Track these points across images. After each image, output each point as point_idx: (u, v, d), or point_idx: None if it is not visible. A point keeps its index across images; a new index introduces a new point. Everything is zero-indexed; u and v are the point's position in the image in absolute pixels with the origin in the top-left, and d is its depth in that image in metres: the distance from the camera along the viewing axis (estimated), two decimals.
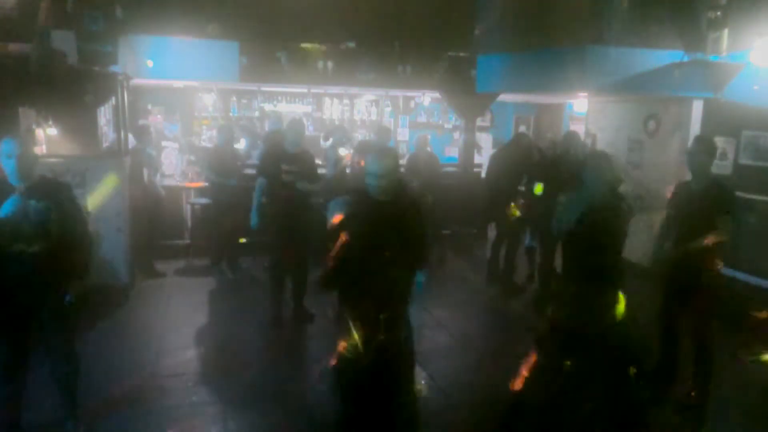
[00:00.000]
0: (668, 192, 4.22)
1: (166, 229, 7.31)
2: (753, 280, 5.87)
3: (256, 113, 10.15)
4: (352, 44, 7.86)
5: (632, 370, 3.37)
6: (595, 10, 6.17)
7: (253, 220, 5.37)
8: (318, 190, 5.44)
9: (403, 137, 11.12)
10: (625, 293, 3.35)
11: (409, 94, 10.38)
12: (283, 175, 5.12)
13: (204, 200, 7.25)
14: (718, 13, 5.77)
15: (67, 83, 5.60)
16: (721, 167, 6.31)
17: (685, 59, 6.10)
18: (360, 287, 2.81)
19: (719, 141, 6.42)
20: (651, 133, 7.45)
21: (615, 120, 8.09)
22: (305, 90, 9.66)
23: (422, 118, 11.30)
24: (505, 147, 7.08)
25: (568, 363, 3.28)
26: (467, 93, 8.15)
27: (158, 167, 7.03)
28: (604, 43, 6.10)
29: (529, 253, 6.94)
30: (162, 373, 4.41)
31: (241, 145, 8.43)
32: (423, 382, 2.99)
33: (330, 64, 7.71)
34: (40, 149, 5.95)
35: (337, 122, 10.30)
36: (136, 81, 6.93)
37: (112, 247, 5.77)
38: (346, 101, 10.61)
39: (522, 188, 6.57)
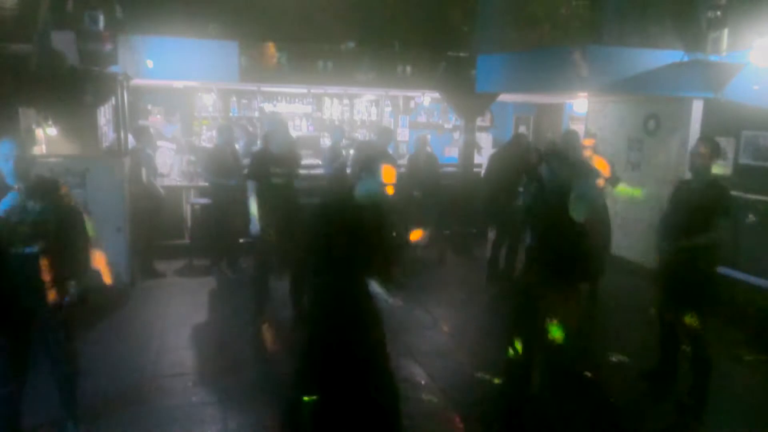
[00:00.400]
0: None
1: (166, 229, 7.31)
2: (753, 280, 5.87)
3: (256, 113, 10.15)
4: (352, 44, 7.86)
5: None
6: (595, 10, 6.17)
7: (254, 226, 5.16)
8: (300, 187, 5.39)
9: (403, 137, 11.12)
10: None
11: (409, 94, 10.38)
12: (272, 178, 5.08)
13: (204, 200, 7.25)
14: (718, 13, 5.77)
15: (67, 83, 5.60)
16: (721, 167, 6.31)
17: (685, 59, 6.10)
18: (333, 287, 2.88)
19: (719, 141, 6.43)
20: (651, 133, 7.45)
21: (615, 120, 8.09)
22: (305, 90, 9.66)
23: (422, 118, 11.31)
24: (504, 148, 7.09)
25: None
26: (467, 93, 8.14)
27: (157, 168, 7.02)
28: (604, 43, 6.10)
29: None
30: (162, 373, 4.41)
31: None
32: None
33: (330, 64, 7.71)
34: (40, 149, 5.95)
35: (336, 122, 10.30)
36: (136, 81, 6.93)
37: (112, 247, 5.77)
38: (346, 101, 10.61)
39: (521, 189, 6.57)
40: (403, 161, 9.21)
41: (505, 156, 6.75)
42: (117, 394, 4.01)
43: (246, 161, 7.54)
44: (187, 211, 7.59)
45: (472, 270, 7.49)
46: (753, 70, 5.95)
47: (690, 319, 3.95)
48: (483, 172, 7.63)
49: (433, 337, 5.29)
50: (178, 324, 5.40)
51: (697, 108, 6.89)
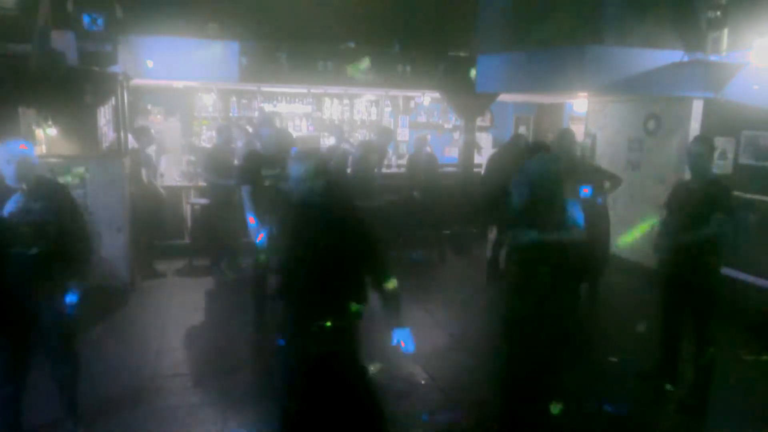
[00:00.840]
0: None
1: (166, 229, 7.31)
2: (753, 279, 5.87)
3: (256, 113, 10.15)
4: (352, 44, 7.86)
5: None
6: (595, 10, 6.17)
7: (252, 229, 4.99)
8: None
9: (403, 137, 11.12)
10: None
11: (409, 94, 10.38)
12: (264, 181, 4.96)
13: (204, 200, 7.25)
14: (718, 13, 5.77)
15: (67, 83, 5.60)
16: (721, 167, 6.31)
17: (685, 59, 6.10)
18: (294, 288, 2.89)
19: (719, 141, 6.43)
20: (651, 133, 7.45)
21: (615, 120, 8.09)
22: (305, 90, 9.66)
23: (422, 118, 11.31)
24: (503, 148, 7.09)
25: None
26: (467, 93, 8.15)
27: (157, 168, 7.02)
28: (604, 43, 6.10)
29: None
30: (162, 373, 4.41)
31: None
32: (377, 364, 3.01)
33: (330, 64, 7.71)
34: (40, 149, 5.95)
35: (336, 122, 10.30)
36: (136, 81, 6.93)
37: (112, 247, 5.77)
38: (346, 101, 10.61)
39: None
40: (403, 161, 9.24)
41: (504, 157, 6.75)
42: (117, 395, 4.01)
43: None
44: (187, 211, 7.59)
45: (472, 270, 7.49)
46: (753, 70, 5.96)
47: (699, 320, 3.95)
48: (482, 172, 7.63)
49: (433, 337, 5.29)
50: (178, 324, 5.40)
51: (697, 108, 6.89)
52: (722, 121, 6.49)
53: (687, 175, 4.15)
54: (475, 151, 9.19)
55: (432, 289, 6.63)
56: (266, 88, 9.71)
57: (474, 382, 4.45)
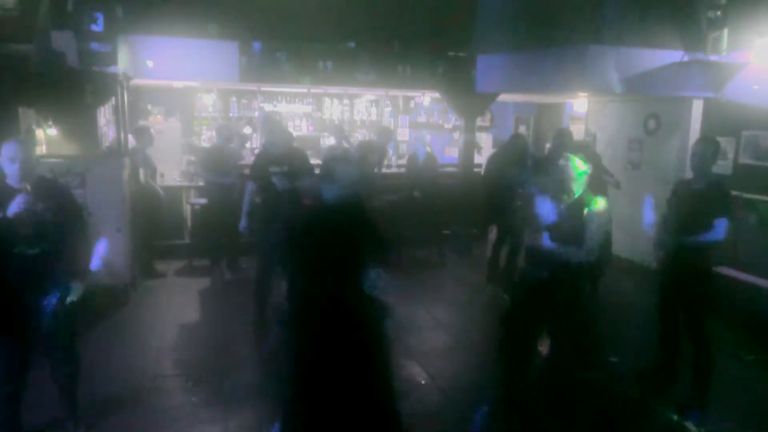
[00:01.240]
0: None
1: (166, 229, 7.31)
2: (753, 279, 5.87)
3: (256, 113, 10.15)
4: (352, 44, 7.85)
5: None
6: (595, 10, 6.17)
7: (243, 222, 5.27)
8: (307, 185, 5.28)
9: (403, 137, 11.12)
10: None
11: (409, 94, 10.38)
12: (272, 178, 4.98)
13: (204, 200, 7.25)
14: (718, 12, 5.77)
15: (67, 83, 5.60)
16: (721, 167, 6.31)
17: (685, 59, 6.10)
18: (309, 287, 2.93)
19: (719, 141, 6.43)
20: (651, 133, 7.45)
21: (615, 120, 8.09)
22: (305, 90, 9.66)
23: (422, 118, 11.30)
24: (502, 148, 7.07)
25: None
26: (467, 93, 8.14)
27: (156, 168, 7.02)
28: (604, 43, 6.10)
29: None
30: (162, 373, 4.41)
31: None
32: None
33: (330, 64, 7.71)
34: (40, 149, 5.95)
35: (336, 122, 10.30)
36: (136, 81, 6.93)
37: (112, 247, 5.76)
38: (346, 101, 10.61)
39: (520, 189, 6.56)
40: (403, 161, 9.23)
41: (502, 157, 6.74)
42: (117, 394, 4.01)
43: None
44: (187, 211, 7.59)
45: (472, 270, 7.49)
46: (753, 70, 5.96)
47: (692, 319, 3.95)
48: (482, 173, 7.63)
49: (433, 337, 5.29)
50: (178, 324, 5.40)
51: (697, 108, 6.90)
52: (722, 121, 6.49)
53: (688, 175, 4.15)
54: (475, 151, 9.19)
55: (432, 289, 6.63)
56: (266, 88, 9.71)
57: (474, 382, 4.46)
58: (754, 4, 5.80)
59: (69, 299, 3.26)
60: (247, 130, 10.01)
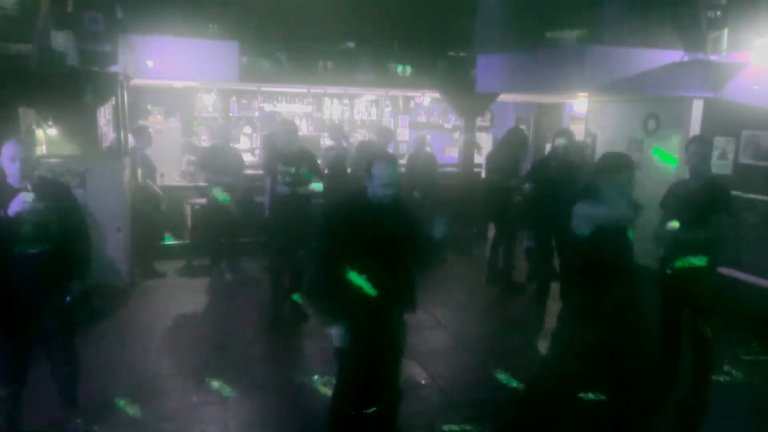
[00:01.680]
0: None
1: (166, 229, 7.31)
2: (753, 279, 5.87)
3: (256, 113, 10.16)
4: (351, 44, 7.86)
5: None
6: (595, 10, 6.17)
7: (267, 209, 5.44)
8: (314, 190, 5.27)
9: (403, 137, 11.12)
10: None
11: (409, 94, 10.38)
12: (278, 176, 5.07)
13: (204, 200, 7.24)
14: (718, 13, 5.77)
15: (67, 83, 5.60)
16: (721, 167, 6.32)
17: (685, 59, 6.10)
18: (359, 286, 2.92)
19: (719, 141, 6.44)
20: (651, 133, 7.45)
21: (615, 120, 8.09)
22: (305, 90, 9.66)
23: (422, 118, 11.30)
24: (499, 144, 7.03)
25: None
26: (467, 93, 8.15)
27: (155, 168, 7.01)
28: (604, 43, 6.10)
29: (528, 253, 6.95)
30: (162, 373, 4.41)
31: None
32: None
33: (330, 64, 7.71)
34: (40, 149, 5.95)
35: (336, 122, 10.30)
36: (136, 81, 6.93)
37: (112, 247, 5.77)
38: (346, 101, 10.61)
39: (522, 186, 6.55)
40: (403, 161, 9.23)
41: (500, 153, 6.72)
42: (117, 394, 4.00)
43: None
44: (187, 211, 7.58)
45: (472, 270, 7.49)
46: (753, 70, 5.96)
47: (692, 319, 3.95)
48: (483, 172, 7.63)
49: (433, 337, 5.29)
50: (178, 324, 5.40)
51: (697, 108, 6.89)
52: (722, 121, 6.49)
53: (685, 175, 4.14)
54: (475, 151, 9.19)
55: (432, 289, 6.62)
56: (266, 88, 9.71)
57: (474, 382, 4.45)
58: (754, 4, 5.80)
59: (69, 299, 3.26)
60: (248, 130, 10.02)
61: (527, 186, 5.96)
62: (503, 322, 5.94)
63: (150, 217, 6.65)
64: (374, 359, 3.02)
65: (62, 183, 3.50)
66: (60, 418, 3.51)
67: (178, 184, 7.91)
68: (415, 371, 4.53)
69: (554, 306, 5.86)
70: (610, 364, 3.36)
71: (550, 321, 5.68)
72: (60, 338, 3.32)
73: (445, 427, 3.82)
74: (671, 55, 6.17)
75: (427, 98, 10.23)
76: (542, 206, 5.67)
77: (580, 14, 6.32)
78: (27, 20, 5.45)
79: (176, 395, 4.08)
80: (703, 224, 3.75)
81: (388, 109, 10.95)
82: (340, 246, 2.94)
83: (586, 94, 7.85)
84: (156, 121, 9.27)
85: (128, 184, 6.14)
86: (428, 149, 8.07)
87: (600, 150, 8.23)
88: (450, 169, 9.42)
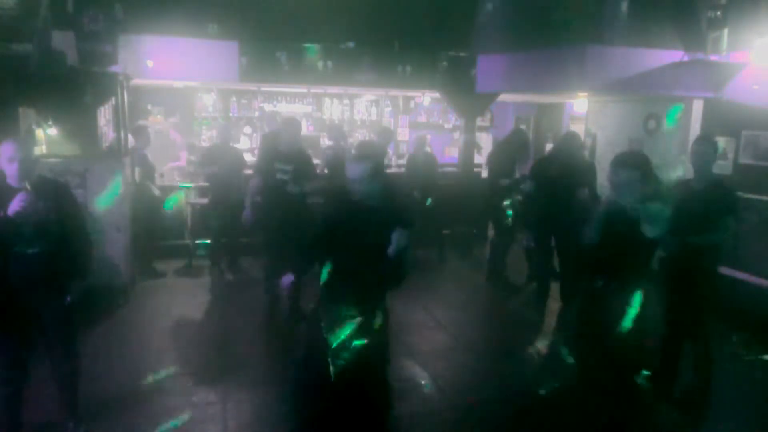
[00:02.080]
0: None
1: (166, 229, 7.31)
2: (753, 280, 5.87)
3: (256, 113, 10.16)
4: (351, 44, 7.86)
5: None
6: (595, 10, 6.17)
7: (246, 213, 5.35)
8: (311, 190, 5.28)
9: (403, 137, 11.12)
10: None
11: (409, 94, 10.38)
12: (277, 174, 5.07)
13: (205, 200, 7.25)
14: (718, 13, 5.77)
15: (67, 83, 5.60)
16: (721, 167, 6.31)
17: (685, 59, 6.10)
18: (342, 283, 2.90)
19: (719, 141, 6.43)
20: (651, 133, 7.45)
21: (615, 120, 8.10)
22: (305, 90, 9.66)
23: (422, 118, 11.30)
24: (501, 144, 7.04)
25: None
26: (467, 93, 8.15)
27: (154, 168, 7.01)
28: (604, 43, 6.10)
29: (528, 253, 6.94)
30: (162, 373, 4.41)
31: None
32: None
33: (330, 64, 7.71)
34: (40, 149, 5.95)
35: (336, 122, 10.30)
36: (136, 81, 6.93)
37: (112, 247, 5.77)
38: (346, 101, 10.60)
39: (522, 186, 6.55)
40: (403, 161, 9.23)
41: (501, 153, 6.73)
42: (117, 394, 4.01)
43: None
44: (187, 211, 7.59)
45: (472, 270, 7.49)
46: (753, 70, 5.96)
47: (693, 319, 3.95)
48: (483, 172, 7.63)
49: (433, 337, 5.29)
50: (178, 324, 5.40)
51: (697, 108, 6.90)
52: (722, 121, 6.49)
53: (688, 174, 4.14)
54: (475, 151, 9.19)
55: (432, 289, 6.63)
56: (266, 88, 9.71)
57: (474, 382, 4.45)
58: (754, 4, 5.80)
59: (69, 299, 3.26)
60: (248, 130, 10.02)
61: (527, 185, 5.96)
62: (503, 322, 5.94)
63: (147, 218, 6.65)
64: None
65: (62, 183, 3.50)
66: (60, 418, 3.51)
67: (178, 184, 7.90)
68: (415, 371, 4.53)
69: (554, 306, 5.87)
70: (611, 365, 3.34)
71: (550, 321, 5.70)
72: (60, 338, 3.32)
73: (445, 428, 3.82)
74: (671, 55, 6.17)
75: (427, 98, 10.22)
76: (542, 206, 5.67)
77: (580, 14, 6.32)
78: (27, 20, 5.45)
79: (176, 395, 4.08)
80: (707, 226, 3.74)
81: (388, 109, 10.95)
82: (327, 235, 2.94)
83: (586, 94, 7.86)
84: (156, 121, 9.27)
85: (128, 184, 6.14)
86: (428, 149, 8.07)
87: (600, 150, 8.24)
88: (450, 169, 9.42)
